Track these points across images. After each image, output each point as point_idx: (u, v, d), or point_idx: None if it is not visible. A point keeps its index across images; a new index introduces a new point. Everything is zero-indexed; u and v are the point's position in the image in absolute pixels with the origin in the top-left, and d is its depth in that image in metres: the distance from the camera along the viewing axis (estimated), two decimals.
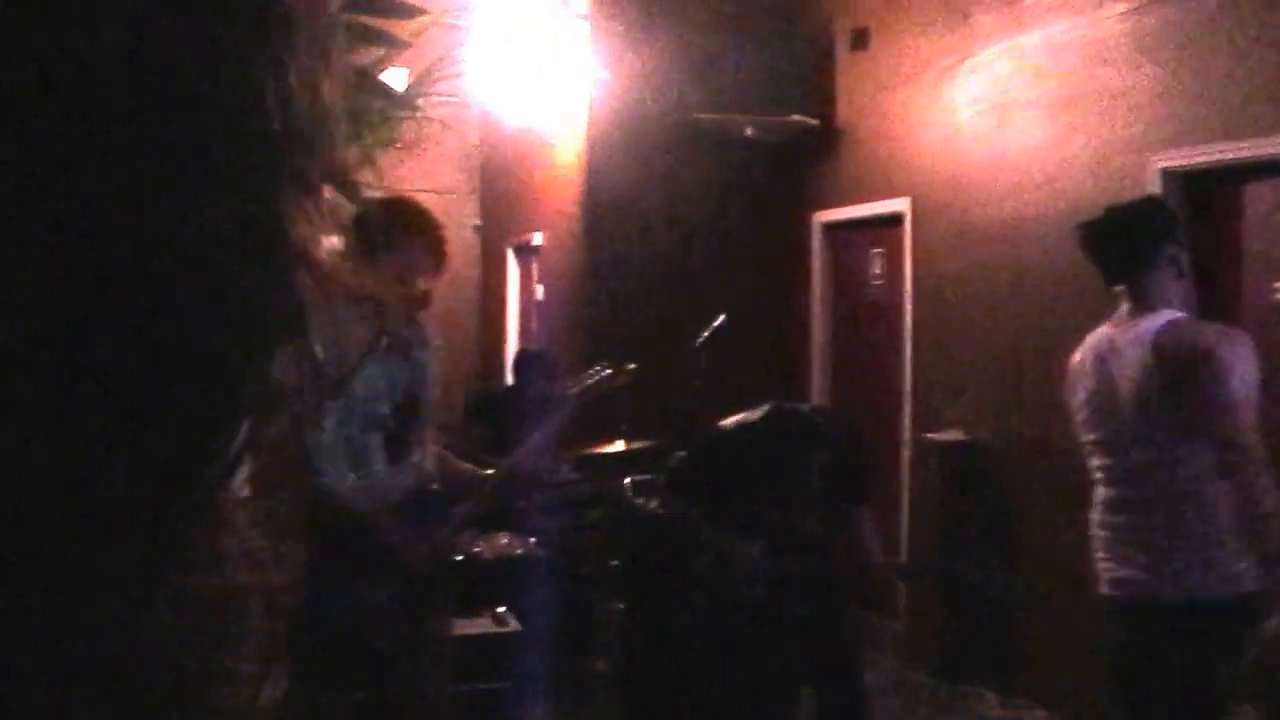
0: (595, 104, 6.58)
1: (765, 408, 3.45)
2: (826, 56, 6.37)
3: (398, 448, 2.91)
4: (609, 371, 3.44)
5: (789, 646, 3.36)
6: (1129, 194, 4.37)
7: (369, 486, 2.88)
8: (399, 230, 2.83)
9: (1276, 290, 3.93)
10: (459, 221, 9.44)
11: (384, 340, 2.88)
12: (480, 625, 3.75)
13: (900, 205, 5.80)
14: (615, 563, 4.61)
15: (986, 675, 4.97)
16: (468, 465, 3.25)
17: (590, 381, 3.37)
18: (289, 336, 0.42)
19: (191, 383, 0.37)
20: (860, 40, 6.12)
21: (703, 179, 6.62)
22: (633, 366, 5.06)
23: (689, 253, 6.63)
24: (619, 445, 4.92)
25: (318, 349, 2.83)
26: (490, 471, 3.17)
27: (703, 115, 6.33)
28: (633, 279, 6.55)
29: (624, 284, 6.57)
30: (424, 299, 2.97)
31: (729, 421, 3.54)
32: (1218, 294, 4.18)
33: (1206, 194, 4.21)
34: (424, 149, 7.50)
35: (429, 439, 3.07)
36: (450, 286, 9.16)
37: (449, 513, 3.03)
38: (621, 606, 4.16)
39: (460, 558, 3.09)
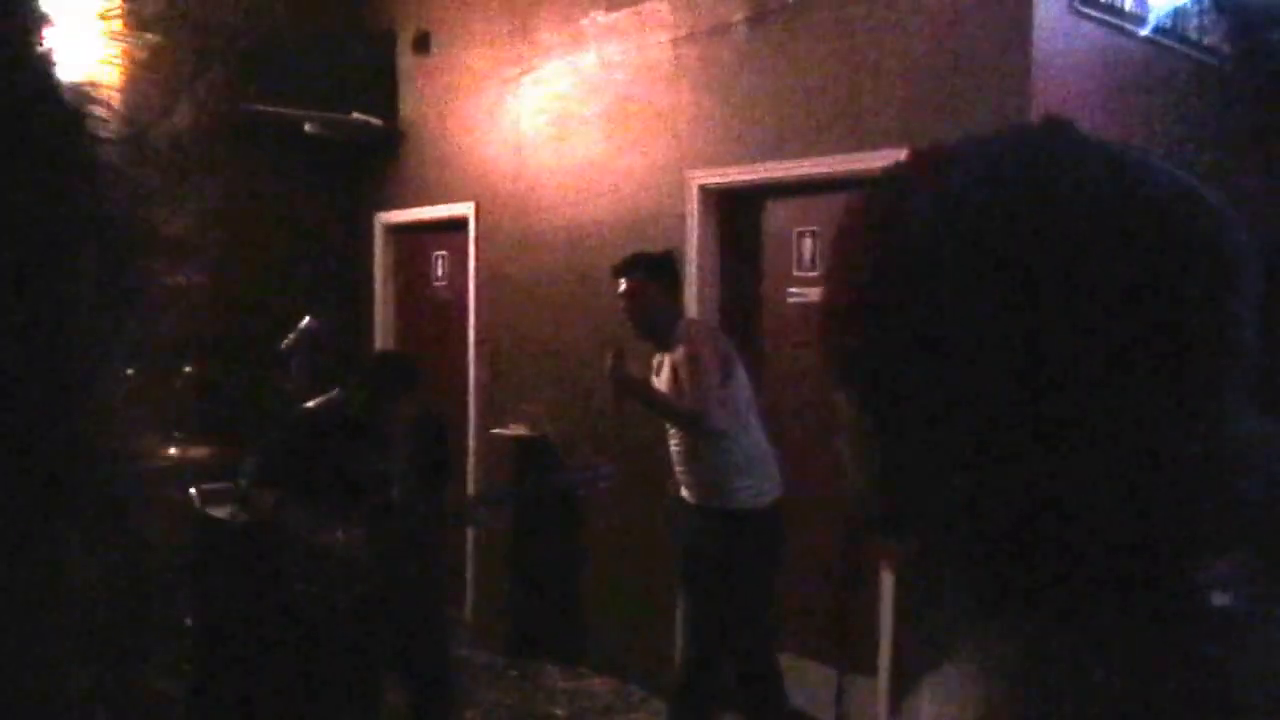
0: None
1: (337, 390, 3.47)
2: (390, 57, 6.37)
3: None
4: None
5: (379, 638, 3.38)
6: (675, 207, 4.86)
7: None
8: None
9: (790, 294, 4.57)
10: None
11: None
12: None
13: (464, 209, 5.96)
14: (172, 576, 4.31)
15: (550, 650, 5.28)
16: None
17: None
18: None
19: None
20: (422, 44, 6.20)
21: (263, 173, 6.35)
22: (187, 369, 4.77)
23: (243, 250, 6.32)
24: (173, 451, 4.61)
25: None
26: None
27: (256, 107, 6.07)
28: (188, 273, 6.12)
29: (166, 282, 6.11)
30: None
31: (308, 405, 3.50)
32: (740, 296, 4.79)
33: (733, 210, 4.79)
34: None
35: None
36: None
37: None
38: (189, 622, 3.91)
39: None
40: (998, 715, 0.50)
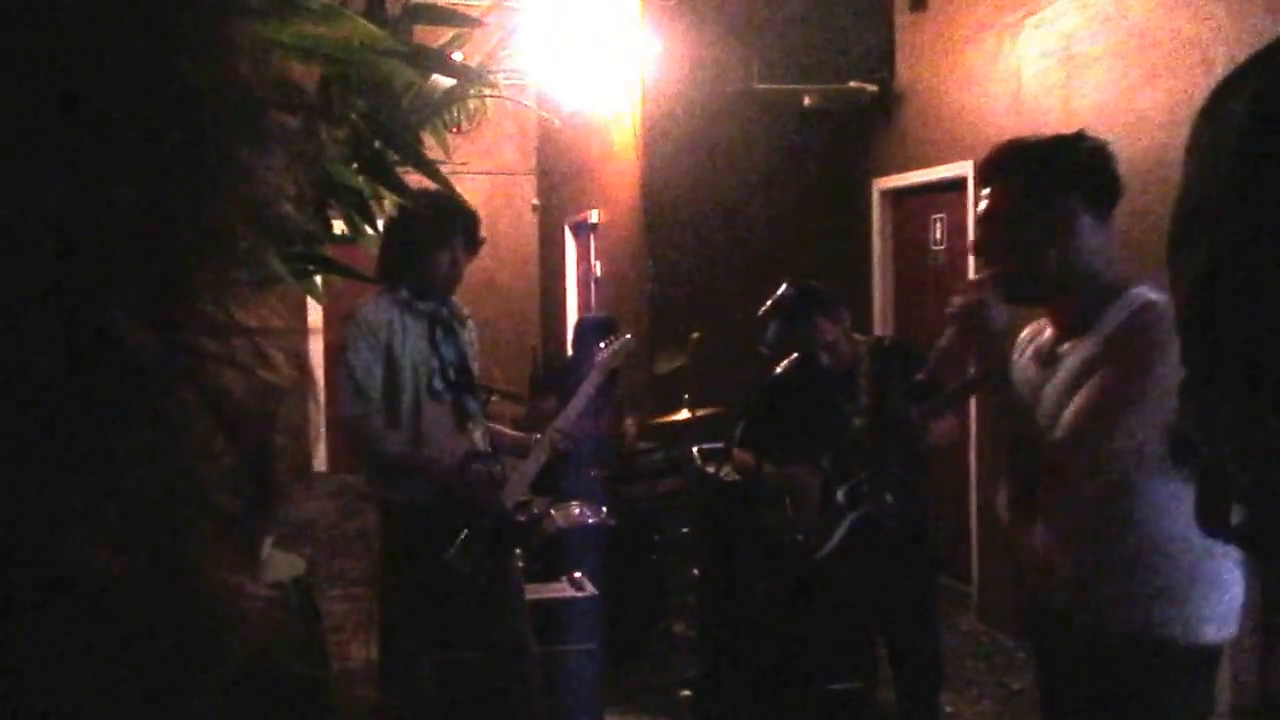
0: (650, 80, 6.57)
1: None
2: (885, 20, 6.30)
3: (459, 413, 3.21)
4: (629, 337, 3.63)
5: (859, 594, 3.38)
6: None
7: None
8: (444, 226, 3.12)
9: None
10: (517, 201, 9.52)
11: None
12: (557, 590, 3.80)
13: (962, 169, 5.72)
14: (685, 530, 4.64)
15: None
16: (517, 433, 3.50)
17: (616, 346, 3.49)
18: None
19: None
20: (919, 1, 6.05)
21: (762, 150, 6.60)
22: (696, 335, 5.10)
23: (750, 224, 6.61)
24: (684, 414, 4.96)
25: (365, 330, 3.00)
26: (538, 437, 3.29)
27: (760, 86, 6.30)
28: (693, 252, 6.55)
29: (685, 257, 6.57)
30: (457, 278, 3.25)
31: (777, 369, 3.57)
32: None
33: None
34: (482, 130, 7.61)
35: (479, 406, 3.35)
36: (510, 265, 9.25)
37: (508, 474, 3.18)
38: (696, 572, 4.18)
39: (528, 520, 3.19)
40: None
